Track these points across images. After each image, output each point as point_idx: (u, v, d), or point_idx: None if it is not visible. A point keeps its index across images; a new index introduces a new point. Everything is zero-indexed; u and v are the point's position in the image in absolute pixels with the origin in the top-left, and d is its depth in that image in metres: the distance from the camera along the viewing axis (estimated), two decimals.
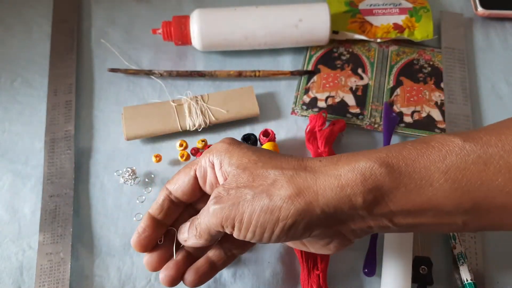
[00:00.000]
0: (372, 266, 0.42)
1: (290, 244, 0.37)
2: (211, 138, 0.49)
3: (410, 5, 0.58)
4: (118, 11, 0.58)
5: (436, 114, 0.51)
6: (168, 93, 0.52)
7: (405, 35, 0.56)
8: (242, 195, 0.32)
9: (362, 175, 0.31)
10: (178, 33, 0.52)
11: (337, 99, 0.52)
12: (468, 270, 0.41)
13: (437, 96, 0.52)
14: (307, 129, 0.49)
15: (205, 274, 0.37)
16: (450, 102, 0.52)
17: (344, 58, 0.55)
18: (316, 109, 0.51)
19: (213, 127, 0.50)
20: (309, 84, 0.53)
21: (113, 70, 0.53)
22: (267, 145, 0.46)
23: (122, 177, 0.46)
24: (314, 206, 0.31)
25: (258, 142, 0.48)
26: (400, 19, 0.57)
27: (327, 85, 0.53)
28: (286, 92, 0.53)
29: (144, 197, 0.46)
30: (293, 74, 0.53)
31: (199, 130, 0.49)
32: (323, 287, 0.40)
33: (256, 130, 0.50)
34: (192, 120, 0.49)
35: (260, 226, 0.31)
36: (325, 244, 0.34)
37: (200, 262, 0.37)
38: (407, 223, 0.32)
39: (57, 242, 0.43)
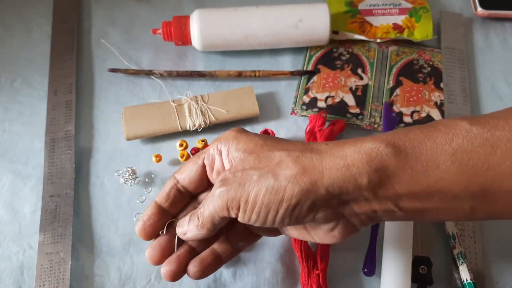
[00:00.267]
0: (371, 265, 0.42)
1: (293, 233, 0.36)
2: (211, 138, 0.49)
3: (409, 5, 0.58)
4: (118, 11, 0.58)
5: (435, 114, 0.51)
6: (168, 93, 0.52)
7: (405, 35, 0.56)
8: (248, 176, 0.32)
9: (368, 155, 0.30)
10: (178, 33, 0.52)
11: (337, 99, 0.52)
12: (468, 270, 0.41)
13: (436, 96, 0.52)
14: (307, 129, 0.49)
15: (209, 266, 0.36)
16: (449, 102, 0.52)
17: (344, 58, 0.55)
18: (316, 109, 0.51)
19: (213, 127, 0.50)
20: (309, 84, 0.53)
21: (113, 70, 0.53)
22: None
23: (122, 177, 0.46)
24: (319, 185, 0.30)
25: None
26: (400, 19, 0.57)
27: (327, 85, 0.53)
28: (286, 92, 0.53)
29: (144, 197, 0.46)
30: (293, 74, 0.53)
31: (199, 130, 0.49)
32: (323, 287, 0.40)
33: (256, 130, 0.50)
34: (192, 120, 0.49)
35: (265, 206, 0.31)
36: (329, 230, 0.33)
37: (205, 253, 0.37)
38: (413, 208, 0.31)
39: (57, 242, 0.43)
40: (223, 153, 0.35)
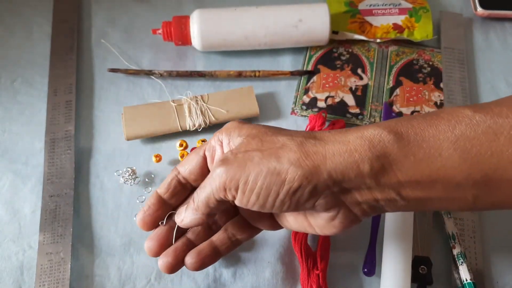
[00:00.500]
0: (371, 265, 0.42)
1: (293, 224, 0.36)
2: None
3: (409, 6, 0.58)
4: (118, 11, 0.58)
5: None
6: (168, 93, 0.52)
7: (405, 35, 0.56)
8: (249, 157, 0.31)
9: (370, 142, 0.30)
10: (178, 33, 0.52)
11: (337, 99, 0.52)
12: (468, 269, 0.41)
13: (436, 96, 0.52)
14: (307, 129, 0.49)
15: (207, 258, 0.36)
16: (449, 102, 0.52)
17: (343, 58, 0.55)
18: (315, 109, 0.51)
19: (213, 127, 0.50)
20: (308, 84, 0.53)
21: (113, 70, 0.53)
22: None
23: (122, 177, 0.46)
24: (321, 170, 0.30)
25: None
26: (400, 19, 0.57)
27: (327, 85, 0.53)
28: (286, 92, 0.53)
29: (144, 197, 0.46)
30: (293, 74, 0.53)
31: (199, 130, 0.49)
32: (322, 287, 0.40)
33: None
34: (192, 120, 0.49)
35: (265, 188, 0.31)
36: (330, 220, 0.33)
37: (203, 245, 0.37)
38: (415, 197, 0.31)
39: (57, 242, 0.43)
40: (224, 143, 0.35)
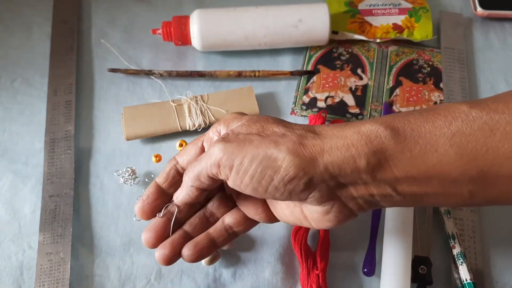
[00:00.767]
0: (371, 265, 0.42)
1: (289, 217, 0.36)
2: None
3: (409, 6, 0.58)
4: (118, 11, 0.58)
5: None
6: (168, 93, 0.52)
7: (405, 35, 0.56)
8: (249, 139, 0.32)
9: (367, 137, 0.30)
10: (178, 33, 0.52)
11: (337, 99, 0.52)
12: (468, 269, 0.41)
13: (436, 96, 0.52)
14: None
15: (204, 249, 0.36)
16: (449, 102, 0.52)
17: (343, 58, 0.55)
18: (315, 109, 0.51)
19: None
20: (308, 84, 0.53)
21: (113, 70, 0.53)
22: None
23: (122, 177, 0.46)
24: (318, 162, 0.30)
25: None
26: (400, 19, 0.57)
27: (327, 85, 0.53)
28: (286, 92, 0.53)
29: None
30: (293, 74, 0.53)
31: (199, 130, 0.49)
32: (322, 287, 0.40)
33: None
34: (192, 120, 0.49)
35: (260, 171, 0.31)
36: (325, 213, 0.33)
37: (200, 237, 0.37)
38: (411, 192, 0.31)
39: (57, 242, 0.43)
40: (222, 133, 0.35)
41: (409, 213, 0.43)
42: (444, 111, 0.31)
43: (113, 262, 0.43)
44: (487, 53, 0.57)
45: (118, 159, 0.48)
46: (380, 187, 0.31)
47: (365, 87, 0.53)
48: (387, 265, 0.41)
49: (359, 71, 0.54)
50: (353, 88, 0.53)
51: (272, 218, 0.37)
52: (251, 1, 0.55)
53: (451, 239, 0.43)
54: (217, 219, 0.38)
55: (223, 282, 0.42)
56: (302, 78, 0.54)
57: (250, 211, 0.37)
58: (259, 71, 0.53)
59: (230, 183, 0.33)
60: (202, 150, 0.37)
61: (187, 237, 0.37)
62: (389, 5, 0.58)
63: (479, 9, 0.58)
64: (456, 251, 0.42)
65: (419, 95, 0.52)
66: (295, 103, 0.52)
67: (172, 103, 0.50)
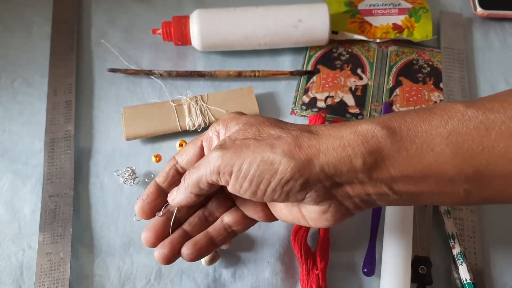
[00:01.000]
0: (371, 265, 0.42)
1: (287, 216, 0.36)
2: None
3: (409, 6, 0.58)
4: (118, 11, 0.58)
5: None
6: (168, 93, 0.52)
7: (405, 35, 0.56)
8: (246, 145, 0.32)
9: (363, 137, 0.31)
10: (178, 33, 0.52)
11: (337, 99, 0.52)
12: (468, 269, 0.41)
13: (436, 96, 0.52)
14: None
15: (203, 248, 0.37)
16: (449, 102, 0.52)
17: (343, 58, 0.55)
18: (315, 109, 0.51)
19: None
20: (308, 84, 0.53)
21: (113, 70, 0.53)
22: None
23: (122, 177, 0.46)
24: (314, 163, 0.30)
25: None
26: (400, 19, 0.57)
27: (327, 85, 0.53)
28: (286, 92, 0.53)
29: None
30: (293, 74, 0.53)
31: (199, 130, 0.49)
32: (322, 287, 0.40)
33: None
34: (192, 120, 0.49)
35: (258, 176, 0.31)
36: (322, 213, 0.33)
37: (199, 236, 0.37)
38: (407, 191, 0.31)
39: (57, 242, 0.43)
40: (221, 133, 0.36)
41: (409, 213, 0.43)
42: (440, 110, 0.31)
43: (113, 262, 0.43)
44: (487, 53, 0.57)
45: (118, 159, 0.48)
46: (376, 186, 0.31)
47: (365, 87, 0.53)
48: (387, 265, 0.41)
49: (359, 71, 0.54)
50: (353, 88, 0.53)
51: (271, 217, 0.37)
52: (251, 1, 0.55)
53: (451, 239, 0.43)
54: (216, 218, 0.38)
55: (223, 282, 0.42)
56: (302, 78, 0.54)
57: (249, 210, 0.37)
58: (259, 71, 0.53)
59: (230, 189, 0.33)
60: (201, 149, 0.37)
61: (187, 236, 0.37)
62: (389, 5, 0.58)
63: (479, 9, 0.58)
64: (456, 251, 0.42)
65: (419, 95, 0.52)
66: (295, 103, 0.52)
67: (172, 103, 0.50)
